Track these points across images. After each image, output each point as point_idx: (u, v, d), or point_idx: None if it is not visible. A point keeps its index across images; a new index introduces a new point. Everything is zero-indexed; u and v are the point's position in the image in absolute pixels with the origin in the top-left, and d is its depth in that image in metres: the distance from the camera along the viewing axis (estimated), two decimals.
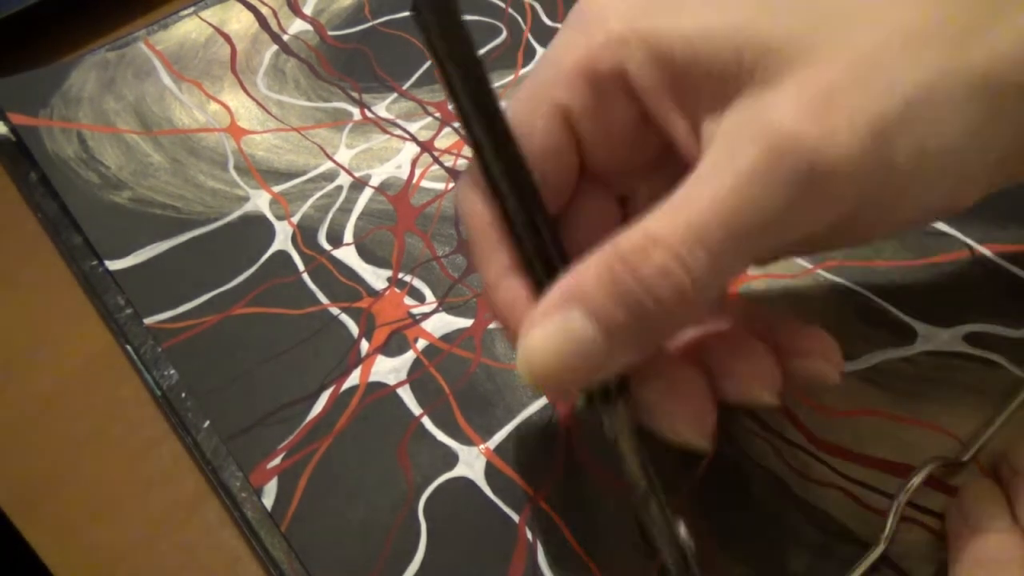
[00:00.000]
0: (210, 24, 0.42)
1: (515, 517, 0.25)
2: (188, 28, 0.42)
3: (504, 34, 0.41)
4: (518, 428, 0.27)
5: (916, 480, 0.24)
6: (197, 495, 0.27)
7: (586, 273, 0.18)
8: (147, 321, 0.31)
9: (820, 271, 0.31)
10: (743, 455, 0.26)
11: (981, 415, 0.27)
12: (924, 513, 0.25)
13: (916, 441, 0.26)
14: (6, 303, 0.33)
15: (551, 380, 0.18)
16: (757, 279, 0.31)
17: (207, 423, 0.28)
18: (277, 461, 0.27)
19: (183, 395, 0.29)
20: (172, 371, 0.30)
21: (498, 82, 0.39)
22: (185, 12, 0.43)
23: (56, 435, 0.29)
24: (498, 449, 0.27)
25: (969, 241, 0.31)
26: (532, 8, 0.42)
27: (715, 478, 0.26)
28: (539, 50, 0.40)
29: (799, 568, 0.24)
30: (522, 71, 0.39)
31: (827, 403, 0.27)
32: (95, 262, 0.33)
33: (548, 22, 0.41)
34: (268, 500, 0.26)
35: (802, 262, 0.31)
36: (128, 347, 0.30)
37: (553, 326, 0.18)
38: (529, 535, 0.25)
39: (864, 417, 0.27)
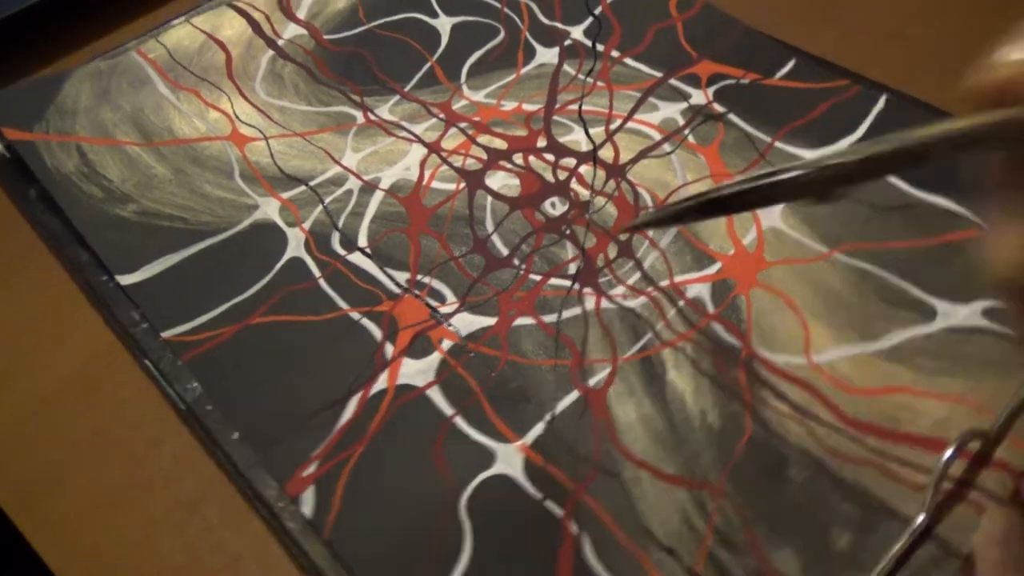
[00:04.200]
0: (202, 31, 0.42)
1: (558, 511, 0.25)
2: (180, 35, 0.41)
3: (502, 34, 0.41)
4: (552, 422, 0.27)
5: (950, 453, 0.25)
6: (197, 497, 0.27)
7: None
8: (164, 334, 0.30)
9: (837, 254, 0.31)
10: (778, 438, 0.27)
11: (1006, 386, 0.27)
12: (961, 485, 0.25)
13: (945, 415, 0.27)
14: (6, 303, 0.33)
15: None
16: (776, 265, 0.31)
17: (236, 434, 0.28)
18: (312, 469, 0.27)
19: (208, 407, 0.28)
20: (195, 384, 0.29)
21: (499, 82, 0.39)
22: (176, 20, 0.42)
23: (56, 435, 0.29)
24: (535, 445, 0.27)
25: (979, 220, 0.31)
26: (528, 7, 0.42)
27: (752, 461, 0.26)
28: (539, 48, 0.40)
29: (842, 546, 0.24)
30: (523, 70, 0.39)
31: (855, 383, 0.28)
32: (104, 277, 0.32)
33: (545, 20, 0.41)
34: (307, 508, 0.26)
35: (818, 246, 0.31)
36: (147, 362, 0.30)
37: None
38: (574, 528, 0.25)
39: (892, 395, 0.27)
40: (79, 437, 0.29)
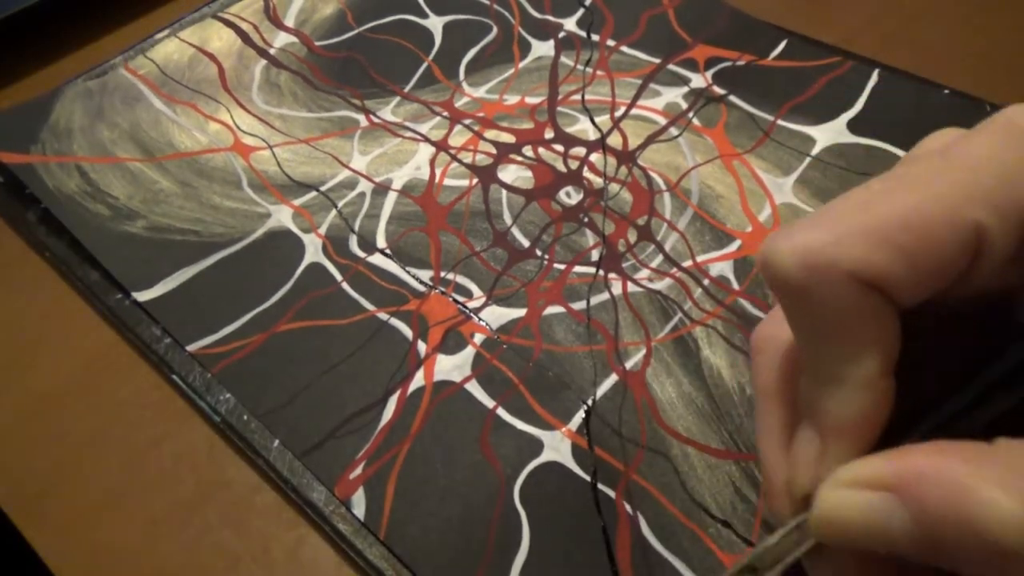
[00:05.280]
0: (191, 44, 0.41)
1: (611, 493, 0.26)
2: (168, 50, 0.41)
3: (495, 30, 0.41)
4: (595, 406, 0.28)
5: None
6: (198, 497, 0.27)
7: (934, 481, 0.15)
8: (190, 348, 0.30)
9: None
10: None
11: None
12: None
13: None
14: (6, 303, 0.33)
15: (838, 539, 0.17)
16: None
17: (276, 442, 0.27)
18: (359, 471, 0.27)
19: (244, 417, 0.28)
20: (227, 395, 0.29)
21: (499, 77, 0.39)
22: (160, 35, 0.42)
23: (57, 435, 0.29)
24: (580, 430, 0.27)
25: None
26: (518, 3, 0.42)
27: None
28: (533, 42, 0.40)
29: None
30: (521, 64, 0.39)
31: None
32: (120, 295, 0.32)
33: (536, 14, 0.42)
34: (359, 510, 0.26)
35: None
36: (175, 377, 0.29)
37: (865, 505, 0.16)
38: (628, 508, 0.25)
39: None
40: (79, 437, 0.29)
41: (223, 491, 0.27)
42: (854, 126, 0.35)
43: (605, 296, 0.30)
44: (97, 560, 0.26)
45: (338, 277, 0.32)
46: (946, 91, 0.36)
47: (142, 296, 0.31)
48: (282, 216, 0.34)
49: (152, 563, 0.26)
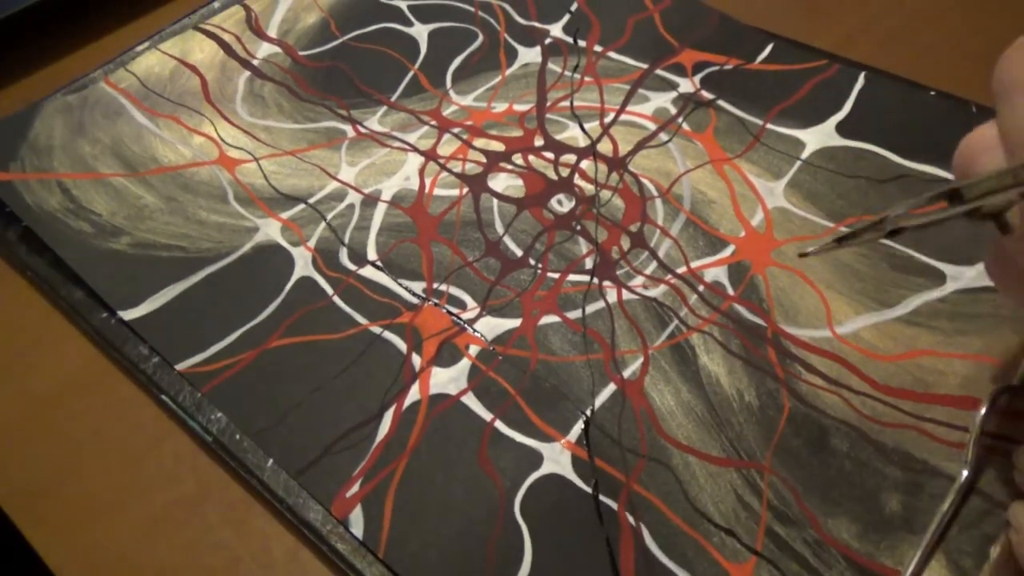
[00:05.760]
0: (172, 56, 0.40)
1: (613, 504, 0.25)
2: (149, 63, 0.40)
3: (480, 37, 0.41)
4: (594, 417, 0.27)
5: (985, 410, 0.25)
6: (197, 497, 0.27)
7: None
8: (179, 367, 0.29)
9: (841, 228, 0.32)
10: (816, 410, 0.27)
11: (1021, 339, 0.28)
12: (998, 439, 0.26)
13: (969, 373, 0.28)
14: (5, 302, 0.32)
15: None
16: (787, 243, 0.31)
17: (270, 462, 0.27)
18: (356, 488, 0.26)
19: (237, 436, 0.28)
20: (218, 414, 0.28)
21: (486, 84, 0.38)
22: (141, 47, 0.41)
23: (56, 435, 0.29)
24: (579, 441, 0.27)
25: None
26: (502, 9, 0.42)
27: (795, 435, 0.26)
28: (519, 49, 0.40)
29: (893, 507, 0.25)
30: (508, 71, 0.39)
31: (880, 350, 0.28)
32: (105, 314, 0.31)
33: (521, 20, 0.41)
34: (357, 529, 0.25)
35: (824, 221, 0.32)
36: (164, 397, 0.29)
37: None
38: (631, 519, 0.25)
39: (917, 358, 0.28)
40: (79, 437, 0.29)
41: (223, 491, 0.27)
42: (842, 129, 0.35)
43: (600, 304, 0.30)
44: (97, 560, 0.26)
45: (329, 291, 0.31)
46: (932, 93, 0.36)
47: (128, 315, 0.31)
48: (270, 230, 0.33)
49: (152, 563, 0.26)
